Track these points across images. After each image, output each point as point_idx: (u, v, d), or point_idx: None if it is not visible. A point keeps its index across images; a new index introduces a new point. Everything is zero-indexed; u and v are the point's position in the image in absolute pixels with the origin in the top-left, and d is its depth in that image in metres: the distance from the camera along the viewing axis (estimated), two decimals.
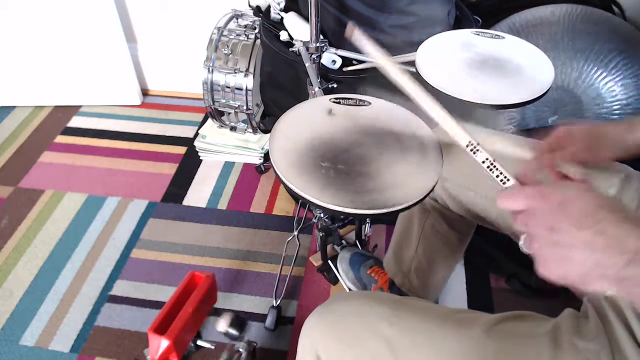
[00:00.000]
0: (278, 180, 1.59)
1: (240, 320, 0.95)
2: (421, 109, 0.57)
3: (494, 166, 0.51)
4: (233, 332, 0.96)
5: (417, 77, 0.81)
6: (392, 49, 1.08)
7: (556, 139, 0.68)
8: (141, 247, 1.42)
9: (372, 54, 0.61)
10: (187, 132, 1.82)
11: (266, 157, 1.65)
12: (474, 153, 0.52)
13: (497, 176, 0.51)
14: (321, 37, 0.98)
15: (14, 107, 1.92)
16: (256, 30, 1.42)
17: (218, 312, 1.14)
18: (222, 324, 1.00)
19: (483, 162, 0.51)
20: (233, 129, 1.55)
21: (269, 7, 1.30)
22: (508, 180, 0.50)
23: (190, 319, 1.02)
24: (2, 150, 1.74)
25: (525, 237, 0.46)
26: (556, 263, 0.43)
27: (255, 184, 1.61)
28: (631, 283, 0.40)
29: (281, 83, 1.25)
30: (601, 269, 0.41)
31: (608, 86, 1.12)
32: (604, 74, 1.12)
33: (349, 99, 0.74)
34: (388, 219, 1.42)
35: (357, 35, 0.65)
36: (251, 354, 1.07)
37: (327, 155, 0.64)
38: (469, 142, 0.52)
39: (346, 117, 0.71)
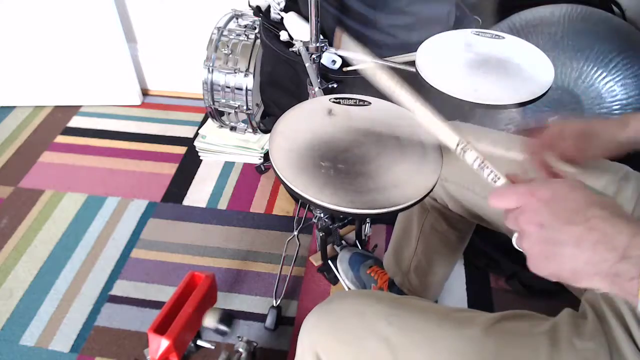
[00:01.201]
0: (278, 180, 1.59)
1: (228, 316, 0.95)
2: (409, 111, 0.57)
3: (485, 165, 0.51)
4: (222, 327, 0.96)
5: (417, 77, 0.81)
6: (392, 49, 1.09)
7: (548, 137, 0.68)
8: (141, 247, 1.42)
9: (360, 58, 0.61)
10: (187, 132, 1.82)
11: (266, 157, 1.65)
12: (464, 152, 0.52)
13: (488, 175, 0.51)
14: (321, 37, 0.98)
15: (14, 107, 1.92)
16: (256, 30, 1.42)
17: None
18: (211, 320, 0.99)
19: (474, 160, 0.51)
20: (233, 129, 1.55)
21: (269, 7, 1.30)
22: (499, 179, 0.50)
23: (190, 319, 1.02)
24: (2, 150, 1.75)
25: (516, 234, 0.46)
26: (547, 260, 0.43)
27: (255, 184, 1.61)
28: (623, 279, 0.40)
29: (281, 83, 1.25)
30: (592, 265, 0.41)
31: (608, 86, 1.12)
32: (604, 74, 1.12)
33: (349, 99, 0.74)
34: (388, 219, 1.42)
35: (345, 41, 0.65)
36: (251, 354, 1.07)
37: (327, 155, 0.64)
38: (459, 141, 0.52)
39: (346, 117, 0.71)
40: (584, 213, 0.42)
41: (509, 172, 0.50)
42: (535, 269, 0.44)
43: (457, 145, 0.52)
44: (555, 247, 0.43)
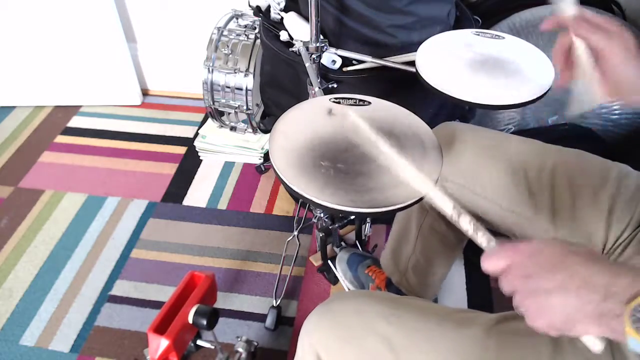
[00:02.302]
0: (278, 180, 1.59)
1: (209, 310, 0.95)
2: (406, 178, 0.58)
3: (478, 228, 0.52)
4: (203, 322, 0.96)
5: (417, 77, 0.81)
6: (392, 49, 1.09)
7: (605, 22, 0.62)
8: (141, 247, 1.42)
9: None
10: (187, 132, 1.82)
11: (266, 157, 1.65)
12: (459, 216, 0.53)
13: (481, 237, 0.52)
14: (321, 37, 0.98)
15: (14, 107, 1.92)
16: (256, 30, 1.42)
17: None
18: (191, 315, 0.99)
19: (468, 224, 0.53)
20: (233, 129, 1.55)
21: (269, 7, 1.30)
22: (491, 241, 0.52)
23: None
24: (2, 150, 1.75)
25: (510, 295, 0.48)
26: (539, 312, 0.45)
27: (255, 184, 1.61)
28: (609, 317, 0.41)
29: (281, 83, 1.25)
30: (580, 310, 0.43)
31: None
32: None
33: (349, 98, 0.74)
34: (388, 219, 1.42)
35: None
36: (251, 354, 1.07)
37: (327, 154, 0.64)
38: (453, 205, 0.54)
39: (346, 117, 0.71)
40: (563, 261, 0.45)
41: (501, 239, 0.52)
42: (533, 324, 0.46)
43: (453, 209, 0.54)
44: (544, 297, 0.45)
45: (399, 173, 0.58)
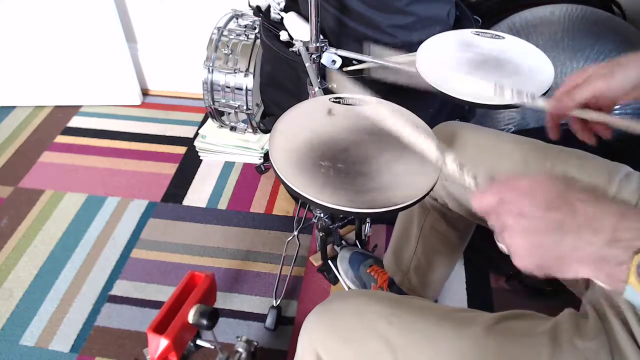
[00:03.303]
0: (278, 180, 1.59)
1: (210, 310, 0.95)
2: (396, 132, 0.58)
3: (464, 167, 0.51)
4: (203, 322, 0.96)
5: (417, 77, 0.81)
6: (392, 49, 1.09)
7: (571, 82, 0.65)
8: (141, 247, 1.42)
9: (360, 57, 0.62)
10: (187, 132, 1.82)
11: (266, 157, 1.65)
12: (444, 156, 0.52)
13: (468, 178, 0.51)
14: (321, 37, 0.98)
15: (14, 107, 1.92)
16: (256, 30, 1.42)
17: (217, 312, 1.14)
18: (191, 315, 0.99)
19: (452, 163, 0.51)
20: (233, 129, 1.55)
21: (269, 7, 1.30)
22: (478, 180, 0.50)
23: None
24: (2, 150, 1.75)
25: (498, 232, 0.45)
26: (529, 251, 0.42)
27: (255, 184, 1.61)
28: (611, 264, 0.38)
29: (281, 83, 1.25)
30: (577, 250, 0.39)
31: None
32: None
33: (348, 98, 0.74)
34: (388, 219, 1.42)
35: (340, 79, 0.68)
36: (251, 354, 1.07)
37: (327, 154, 0.64)
38: (437, 145, 0.53)
39: (346, 117, 0.71)
40: (565, 198, 0.41)
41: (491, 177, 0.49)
42: (520, 263, 0.43)
43: (436, 148, 0.52)
44: (535, 236, 0.41)
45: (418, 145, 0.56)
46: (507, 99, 0.70)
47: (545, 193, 0.42)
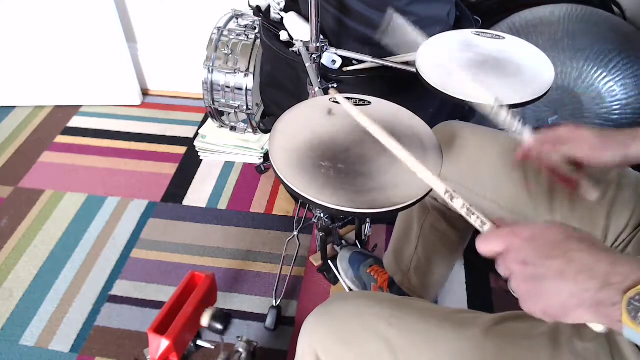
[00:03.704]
0: (278, 180, 1.59)
1: (224, 314, 0.95)
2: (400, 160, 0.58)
3: (472, 212, 0.53)
4: (216, 325, 0.96)
5: (417, 77, 0.81)
6: (392, 49, 1.08)
7: (561, 132, 0.68)
8: (141, 247, 1.42)
9: (356, 114, 0.63)
10: (187, 132, 1.82)
11: (266, 157, 1.65)
12: (452, 200, 0.53)
13: (475, 221, 0.52)
14: (321, 37, 0.98)
15: (14, 107, 1.92)
16: (256, 30, 1.42)
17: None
18: (205, 318, 1.00)
19: (461, 207, 0.53)
20: (233, 129, 1.55)
21: (269, 7, 1.30)
22: (485, 224, 0.52)
23: (190, 319, 1.02)
24: (2, 150, 1.75)
25: (505, 277, 0.48)
26: (534, 297, 0.45)
27: (255, 184, 1.61)
28: (606, 306, 0.41)
29: (281, 83, 1.25)
30: (576, 296, 0.43)
31: (608, 86, 1.13)
32: (604, 74, 1.13)
33: (349, 98, 0.74)
34: (388, 219, 1.42)
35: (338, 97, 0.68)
36: (251, 354, 1.07)
37: (327, 154, 0.64)
38: (446, 190, 0.54)
39: (346, 117, 0.71)
40: (562, 247, 0.44)
41: (495, 218, 0.52)
42: (527, 309, 0.46)
43: (445, 192, 0.54)
44: (539, 283, 0.44)
45: (401, 159, 0.57)
46: (499, 118, 0.71)
47: (545, 241, 0.45)
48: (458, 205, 0.53)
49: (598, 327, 0.44)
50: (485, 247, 0.49)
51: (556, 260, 0.44)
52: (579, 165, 0.67)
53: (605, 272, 0.42)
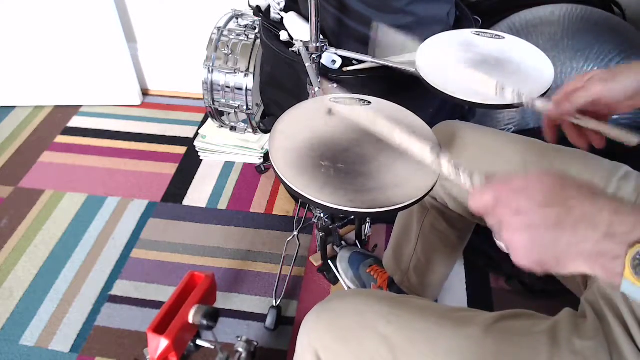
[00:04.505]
0: (278, 180, 1.59)
1: (211, 310, 0.95)
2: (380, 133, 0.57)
3: (458, 170, 0.50)
4: (204, 322, 0.96)
5: (417, 77, 0.81)
6: (392, 49, 1.09)
7: (572, 82, 0.66)
8: (141, 247, 1.42)
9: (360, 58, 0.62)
10: (187, 132, 1.82)
11: (266, 157, 1.65)
12: (439, 157, 0.51)
13: (466, 180, 0.50)
14: (321, 37, 0.98)
15: (14, 107, 1.92)
16: (256, 30, 1.42)
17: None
18: (191, 315, 1.00)
19: (448, 164, 0.51)
20: (233, 129, 1.55)
21: (269, 7, 1.30)
22: (474, 178, 0.49)
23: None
24: (2, 150, 1.75)
25: (496, 230, 0.45)
26: (528, 248, 0.42)
27: (255, 184, 1.61)
28: (607, 258, 0.39)
29: (281, 83, 1.25)
30: (574, 246, 0.40)
31: None
32: None
33: (349, 98, 0.74)
34: (388, 219, 1.42)
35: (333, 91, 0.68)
36: (251, 354, 1.07)
37: (327, 154, 0.64)
38: (431, 147, 0.52)
39: (346, 117, 0.71)
40: (560, 194, 0.42)
41: (487, 175, 0.49)
42: (519, 260, 0.43)
43: (431, 150, 0.51)
44: (534, 233, 0.42)
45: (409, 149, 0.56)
46: (507, 99, 0.70)
47: (541, 190, 0.43)
48: (445, 165, 0.50)
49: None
50: (476, 201, 0.46)
51: (553, 208, 0.41)
52: (600, 116, 0.64)
53: (608, 222, 0.39)
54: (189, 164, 1.69)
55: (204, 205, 1.54)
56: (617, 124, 0.63)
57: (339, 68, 1.10)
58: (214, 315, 0.97)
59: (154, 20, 1.82)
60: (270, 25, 1.24)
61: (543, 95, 0.75)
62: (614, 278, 0.39)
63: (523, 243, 0.43)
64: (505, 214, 0.44)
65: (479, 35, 0.88)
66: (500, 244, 0.46)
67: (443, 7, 1.12)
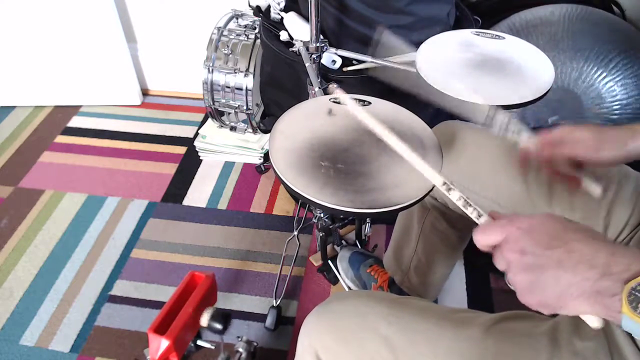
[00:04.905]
0: (278, 180, 1.59)
1: (223, 314, 0.95)
2: (397, 153, 0.58)
3: (468, 204, 0.52)
4: (216, 325, 0.96)
5: (417, 77, 0.81)
6: (392, 49, 1.09)
7: (560, 134, 0.68)
8: (141, 247, 1.42)
9: (354, 108, 0.63)
10: (187, 132, 1.82)
11: (266, 157, 1.65)
12: (449, 192, 0.53)
13: (472, 212, 0.52)
14: (321, 37, 0.98)
15: (14, 107, 1.92)
16: (256, 30, 1.42)
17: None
18: (204, 318, 1.00)
19: (458, 199, 0.53)
20: (233, 129, 1.55)
21: (269, 7, 1.30)
22: (482, 216, 0.52)
23: (190, 319, 1.02)
24: (2, 150, 1.75)
25: (502, 268, 0.48)
26: (532, 287, 0.45)
27: (255, 184, 1.61)
28: (605, 296, 0.41)
29: (281, 83, 1.25)
30: (575, 286, 0.42)
31: (608, 86, 1.12)
32: (604, 74, 1.12)
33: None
34: (388, 219, 1.42)
35: (337, 92, 0.69)
36: (251, 354, 1.07)
37: (327, 154, 0.64)
38: (444, 181, 0.54)
39: (346, 117, 0.71)
40: (562, 237, 0.44)
41: (492, 211, 0.52)
42: (524, 299, 0.46)
43: (443, 184, 0.54)
44: (537, 273, 0.44)
45: (398, 152, 0.57)
46: (496, 123, 0.73)
47: (545, 232, 0.45)
48: (455, 197, 0.53)
49: (594, 323, 0.44)
50: (482, 238, 0.49)
51: (555, 250, 0.43)
52: (580, 165, 0.68)
53: (605, 262, 0.42)
54: (189, 164, 1.69)
55: (204, 205, 1.54)
56: (616, 124, 0.65)
57: (339, 68, 1.10)
58: (226, 318, 0.97)
59: (154, 20, 1.82)
60: (270, 25, 1.24)
61: (543, 95, 0.75)
62: (613, 316, 0.41)
63: (527, 283, 0.45)
64: (510, 253, 0.46)
65: (479, 35, 0.88)
66: (508, 282, 0.48)
67: (443, 7, 1.12)
